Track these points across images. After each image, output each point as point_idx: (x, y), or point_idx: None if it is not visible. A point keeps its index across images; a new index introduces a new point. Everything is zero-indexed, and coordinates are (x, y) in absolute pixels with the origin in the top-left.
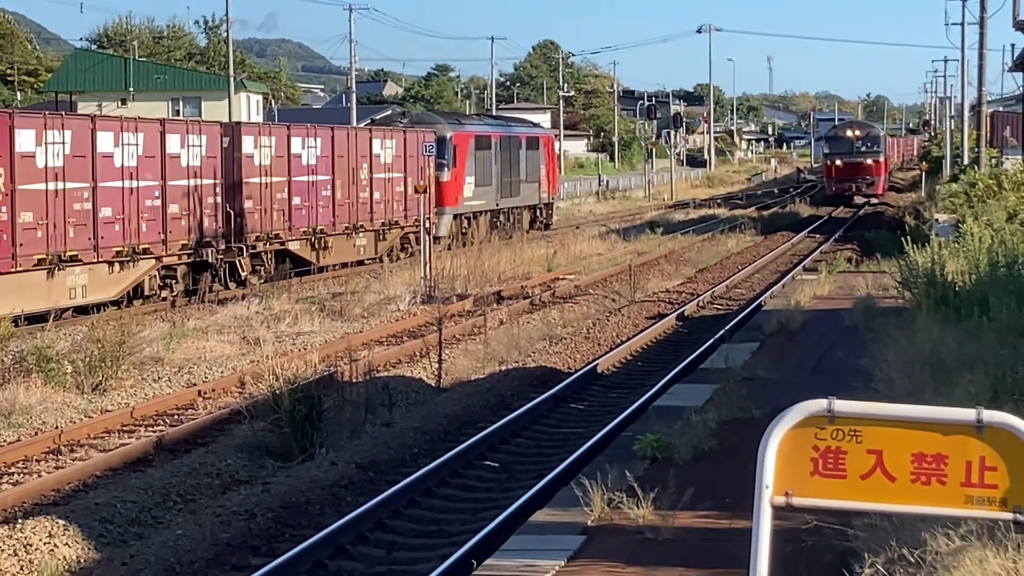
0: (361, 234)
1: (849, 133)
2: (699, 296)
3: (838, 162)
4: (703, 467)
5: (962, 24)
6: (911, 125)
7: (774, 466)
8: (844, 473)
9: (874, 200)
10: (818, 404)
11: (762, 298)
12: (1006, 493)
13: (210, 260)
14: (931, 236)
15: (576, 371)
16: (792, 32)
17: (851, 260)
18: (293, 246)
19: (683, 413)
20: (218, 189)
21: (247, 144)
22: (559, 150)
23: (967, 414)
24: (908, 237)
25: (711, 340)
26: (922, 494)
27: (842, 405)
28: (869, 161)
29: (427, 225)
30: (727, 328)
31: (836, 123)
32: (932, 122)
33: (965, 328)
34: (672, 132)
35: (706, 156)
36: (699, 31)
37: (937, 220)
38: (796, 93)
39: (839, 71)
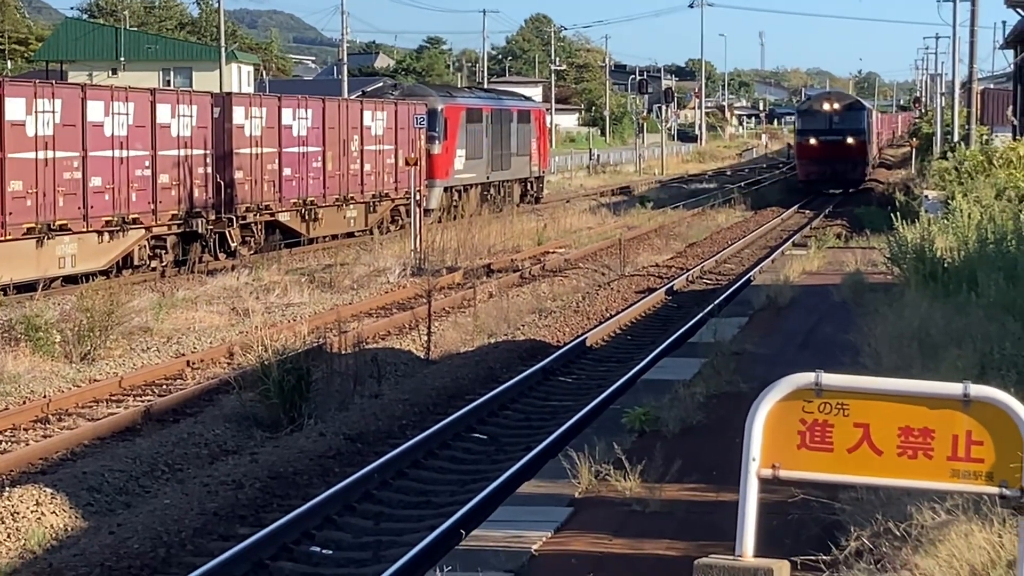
0: (351, 206)
1: (826, 106)
2: (688, 271)
3: (812, 140)
4: (691, 440)
5: (953, 1)
6: (902, 102)
7: (761, 439)
8: (831, 446)
9: (852, 189)
10: (806, 377)
11: (751, 273)
12: (992, 467)
13: (200, 231)
14: (920, 212)
15: (565, 344)
16: (784, 8)
17: (840, 236)
18: (283, 217)
19: (671, 387)
20: (208, 160)
21: (238, 115)
22: (550, 124)
23: (954, 388)
24: (898, 213)
25: (700, 314)
26: (908, 468)
27: (830, 379)
28: (850, 140)
29: (417, 198)
30: (716, 303)
31: (811, 95)
32: (923, 99)
33: (953, 304)
34: (663, 107)
35: (697, 131)
36: (691, 6)
37: (927, 197)
38: (788, 69)
39: (831, 48)
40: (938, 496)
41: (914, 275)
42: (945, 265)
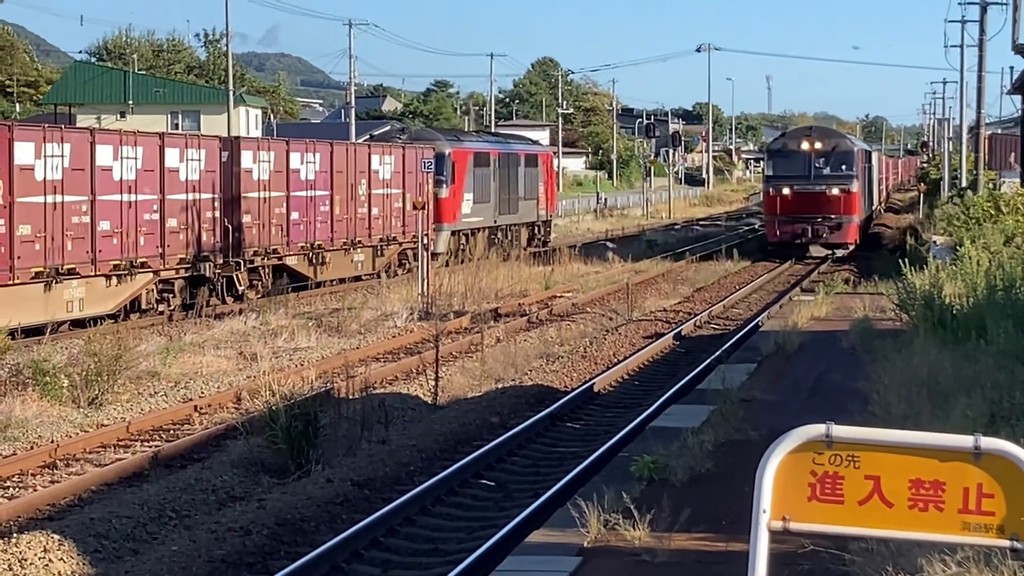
0: (359, 250)
1: (804, 146)
2: (696, 315)
3: (784, 191)
4: (700, 489)
5: (961, 46)
6: (909, 146)
7: (771, 490)
8: (841, 498)
9: (841, 252)
10: (816, 429)
11: (759, 318)
12: (1003, 520)
13: (208, 274)
14: (929, 258)
15: (573, 390)
16: (791, 52)
17: (849, 281)
18: (291, 261)
19: (680, 434)
20: (216, 203)
21: (246, 159)
22: (558, 167)
23: (964, 441)
24: (906, 259)
25: (708, 360)
26: (919, 520)
27: (840, 430)
28: (835, 191)
29: (425, 241)
30: (724, 348)
31: (785, 131)
32: (930, 143)
33: (962, 351)
34: (670, 150)
35: (704, 175)
36: (698, 50)
37: (935, 242)
38: (795, 113)
39: (838, 91)
40: (949, 548)
41: (923, 322)
42: (954, 312)
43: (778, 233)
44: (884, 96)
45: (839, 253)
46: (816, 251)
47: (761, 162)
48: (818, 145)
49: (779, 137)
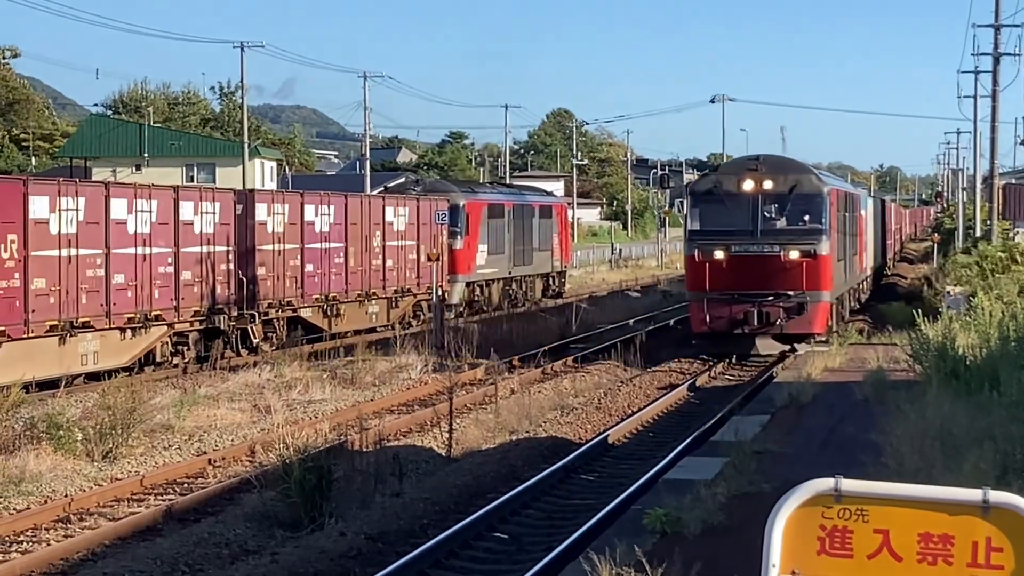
0: (374, 301)
1: (748, 185)
2: (711, 367)
3: (717, 255)
4: (712, 542)
5: (975, 97)
6: (924, 196)
7: (781, 544)
8: (851, 552)
9: (804, 347)
10: (825, 483)
11: (773, 370)
12: (1012, 574)
13: (222, 327)
14: (943, 309)
15: (587, 442)
16: (805, 103)
17: (863, 331)
18: (305, 313)
19: (693, 486)
20: (231, 256)
21: (260, 211)
22: (572, 218)
23: (973, 495)
24: (920, 310)
25: (722, 412)
26: (928, 574)
27: (849, 484)
28: (794, 254)
29: (440, 293)
30: (738, 400)
31: (717, 165)
32: (945, 193)
33: (975, 402)
34: (685, 201)
35: None
36: (712, 101)
37: (948, 293)
38: (810, 163)
39: (852, 142)
40: None
41: (936, 373)
42: (967, 363)
43: (707, 320)
44: (899, 146)
45: (801, 350)
46: (767, 346)
47: (684, 209)
48: (768, 184)
49: (708, 173)
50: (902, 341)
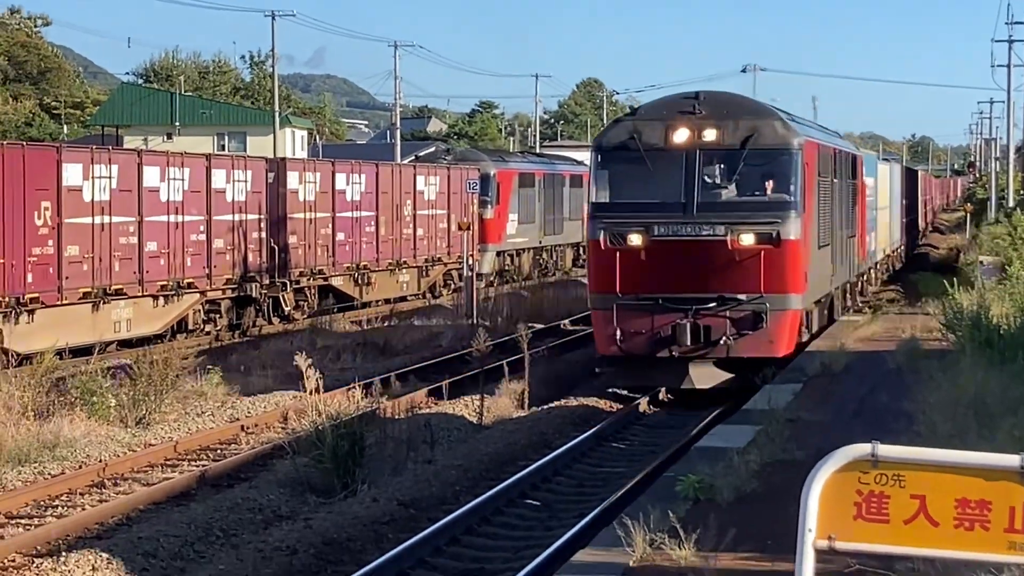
0: (404, 270)
1: (679, 137)
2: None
3: (633, 240)
4: (745, 509)
5: (1008, 66)
6: (956, 166)
7: (817, 509)
8: (887, 518)
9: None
10: (862, 448)
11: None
12: None
13: (254, 295)
14: (976, 278)
15: (618, 410)
16: (837, 72)
17: (896, 302)
18: (336, 281)
19: (726, 454)
20: (262, 224)
21: (292, 180)
22: None
23: (1010, 460)
24: (953, 279)
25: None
26: (965, 540)
27: (886, 450)
28: (746, 239)
29: (470, 262)
30: (771, 369)
31: (636, 109)
32: (977, 163)
33: (1009, 371)
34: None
35: None
36: (744, 71)
37: (982, 262)
38: (840, 134)
39: (884, 112)
40: (995, 568)
41: (970, 342)
42: (1001, 332)
43: (618, 337)
44: (931, 116)
45: (757, 383)
46: (705, 377)
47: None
48: (710, 134)
49: (622, 119)
50: (935, 310)
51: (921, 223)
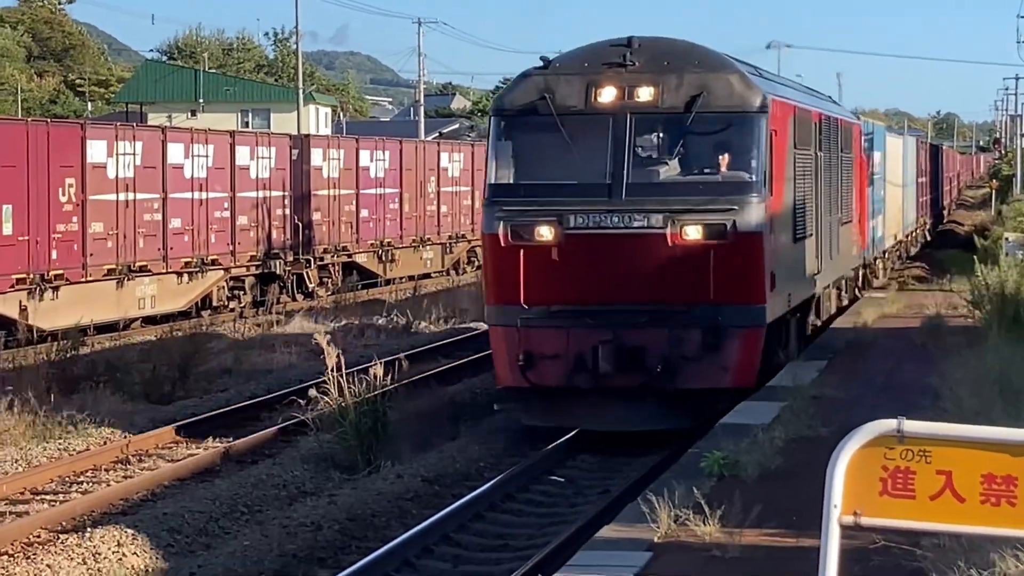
0: (428, 247)
1: (605, 96)
2: None
3: (543, 233)
4: (770, 485)
5: None
6: (981, 143)
7: (843, 485)
8: (913, 493)
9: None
10: (887, 424)
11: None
12: None
13: (278, 272)
14: (1001, 255)
15: None
16: (862, 48)
17: (920, 279)
18: (360, 258)
19: (750, 431)
20: (286, 201)
21: (316, 156)
22: None
23: None
24: (978, 256)
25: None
26: (991, 515)
27: (912, 425)
28: (692, 232)
29: None
30: (795, 346)
31: (549, 60)
32: (1003, 140)
33: None
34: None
35: None
36: (768, 47)
37: (1007, 239)
38: (866, 110)
39: (909, 88)
40: (1021, 544)
41: (995, 318)
42: None
43: (524, 361)
44: (956, 93)
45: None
46: (632, 416)
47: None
48: (645, 93)
49: (531, 73)
50: (960, 287)
51: (946, 200)
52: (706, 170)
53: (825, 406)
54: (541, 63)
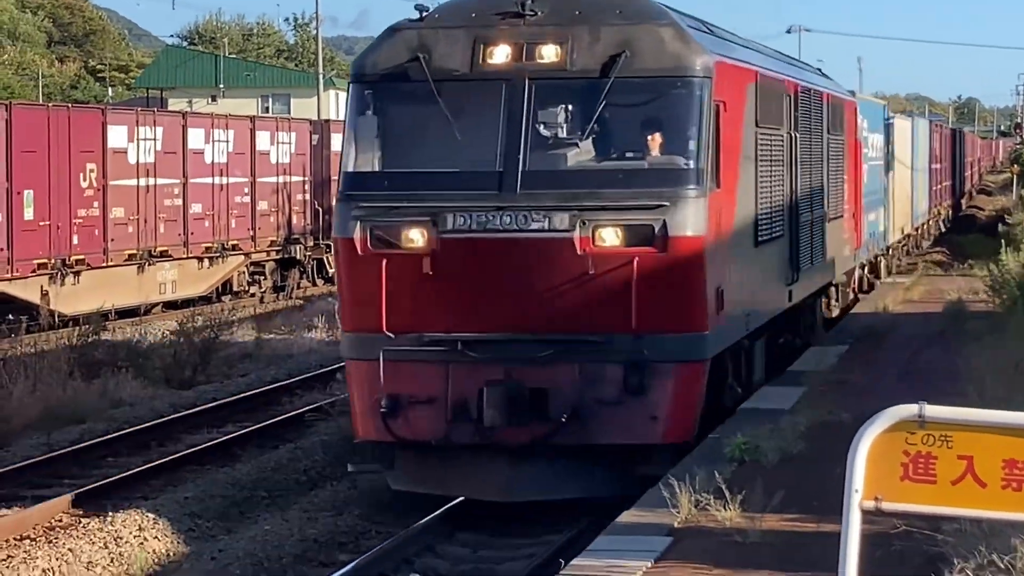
0: None
1: (498, 56)
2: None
3: (414, 238)
4: (791, 470)
5: None
6: (1002, 127)
7: (864, 470)
8: (934, 478)
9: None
10: (909, 409)
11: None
12: None
13: (298, 256)
14: (1022, 239)
15: None
16: (883, 33)
17: (941, 264)
18: None
19: (772, 416)
20: (307, 186)
21: (336, 141)
22: None
23: None
24: (1000, 241)
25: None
26: (1013, 500)
27: (933, 410)
28: (608, 237)
29: None
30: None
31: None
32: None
33: None
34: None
35: None
36: (789, 31)
37: None
38: (886, 95)
39: (930, 72)
40: None
41: (1021, 302)
42: None
43: (385, 407)
44: (977, 77)
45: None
46: (531, 479)
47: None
48: (548, 51)
49: (403, 26)
50: (981, 272)
51: (967, 186)
52: (629, 154)
53: (846, 391)
54: (418, 13)
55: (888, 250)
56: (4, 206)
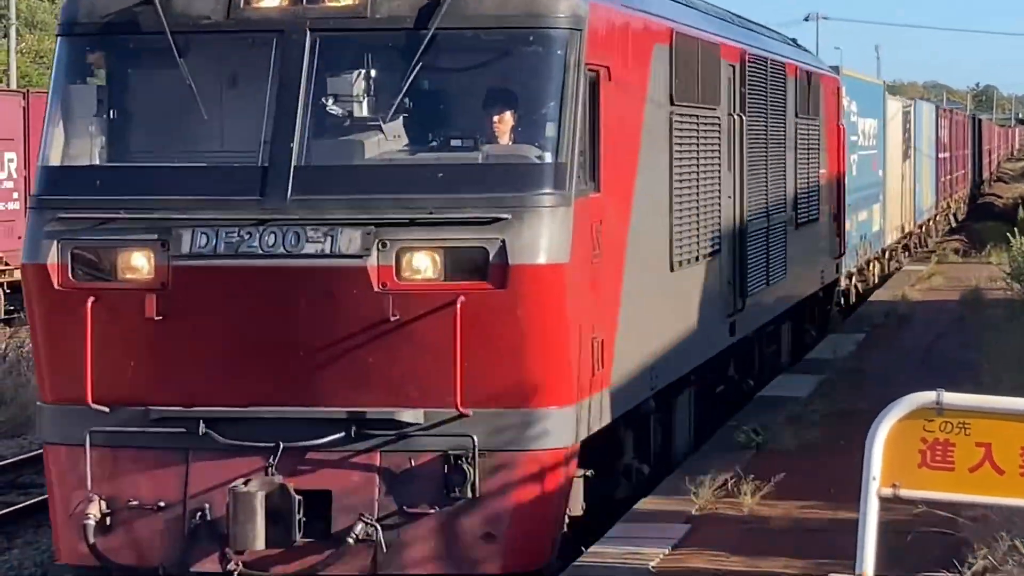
0: None
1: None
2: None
3: (137, 267)
4: (808, 458)
5: None
6: (1021, 115)
7: (881, 457)
8: (952, 465)
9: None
10: (926, 396)
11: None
12: None
13: None
14: None
15: None
16: (901, 20)
17: (959, 251)
18: None
19: (789, 403)
20: None
21: None
22: None
23: None
24: (1018, 228)
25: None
26: None
27: (951, 398)
28: (420, 266)
29: None
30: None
31: None
32: None
33: None
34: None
35: None
36: (806, 19)
37: None
38: (904, 82)
39: (948, 60)
40: None
41: None
42: None
43: (93, 517)
44: (996, 65)
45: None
46: None
47: None
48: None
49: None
50: (999, 260)
51: (985, 174)
52: (456, 142)
53: (863, 379)
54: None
55: (884, 252)
56: (23, 192)
